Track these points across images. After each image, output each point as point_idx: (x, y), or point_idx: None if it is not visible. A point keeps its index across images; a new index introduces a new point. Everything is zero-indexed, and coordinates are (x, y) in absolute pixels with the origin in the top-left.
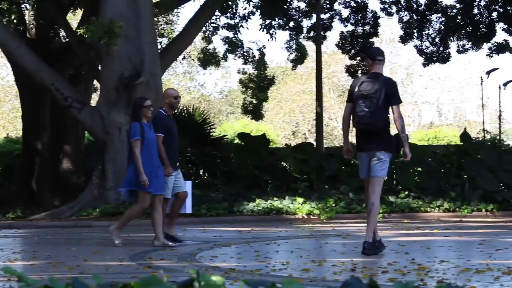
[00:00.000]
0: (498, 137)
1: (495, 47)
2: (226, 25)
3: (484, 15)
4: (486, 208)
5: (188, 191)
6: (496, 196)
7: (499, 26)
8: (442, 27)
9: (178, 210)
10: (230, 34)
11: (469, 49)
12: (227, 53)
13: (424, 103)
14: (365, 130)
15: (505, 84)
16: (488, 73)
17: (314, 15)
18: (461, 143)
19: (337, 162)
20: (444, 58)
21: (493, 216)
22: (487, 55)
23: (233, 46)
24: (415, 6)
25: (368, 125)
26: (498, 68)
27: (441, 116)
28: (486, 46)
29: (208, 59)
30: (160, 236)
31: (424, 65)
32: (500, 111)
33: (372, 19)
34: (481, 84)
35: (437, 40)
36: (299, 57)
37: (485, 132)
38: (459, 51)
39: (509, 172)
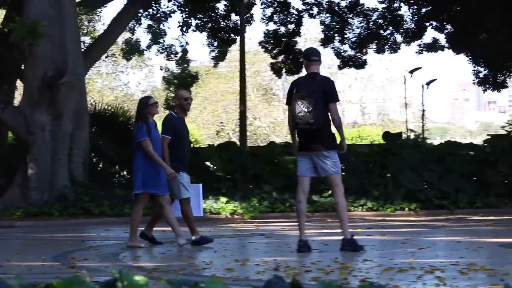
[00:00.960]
0: (421, 136)
1: (424, 46)
2: (149, 16)
3: (412, 13)
4: (409, 207)
5: (199, 194)
6: (419, 195)
7: (429, 24)
8: (362, 31)
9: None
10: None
11: (387, 50)
12: (151, 43)
13: (347, 102)
14: (306, 130)
15: (428, 83)
16: (411, 72)
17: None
18: (384, 142)
19: (260, 162)
20: (359, 64)
21: (416, 215)
22: (416, 52)
23: (156, 36)
24: (337, 8)
25: (308, 125)
26: (421, 67)
27: (364, 115)
28: (415, 43)
29: (131, 49)
30: (181, 234)
31: (340, 67)
32: (423, 110)
33: (296, 18)
34: (404, 83)
35: (355, 44)
36: (220, 54)
37: (409, 131)
38: (378, 51)
39: (432, 171)
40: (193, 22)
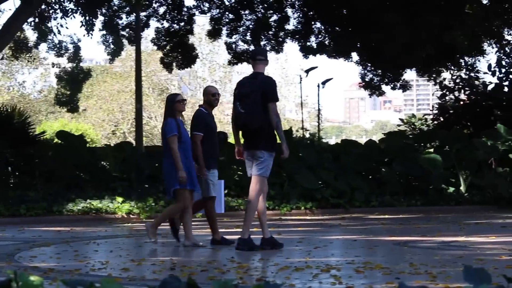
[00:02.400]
0: (317, 135)
1: (310, 48)
2: (37, 15)
3: (299, 14)
4: (305, 206)
5: (221, 191)
6: (315, 194)
7: (316, 26)
8: (253, 25)
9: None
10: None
11: (280, 48)
12: (39, 41)
13: None
14: (243, 130)
15: (323, 83)
16: (307, 71)
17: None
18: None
19: (156, 161)
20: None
21: (312, 214)
22: (303, 55)
23: (43, 34)
24: (227, 2)
25: (243, 126)
26: (316, 67)
27: None
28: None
29: (19, 47)
30: (191, 235)
31: (231, 63)
32: (319, 109)
33: (187, 16)
34: (300, 82)
35: (248, 38)
36: (116, 50)
37: (304, 130)
38: (273, 49)
39: (328, 170)
40: (96, 21)
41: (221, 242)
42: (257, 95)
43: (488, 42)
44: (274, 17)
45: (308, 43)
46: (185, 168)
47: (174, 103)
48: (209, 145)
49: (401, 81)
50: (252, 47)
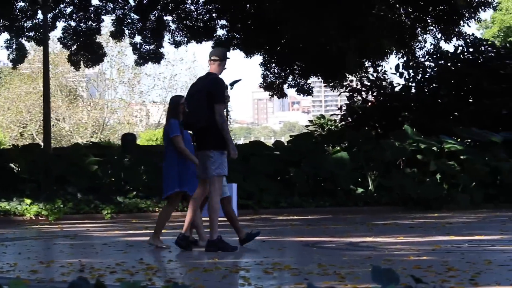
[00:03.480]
0: None
1: (215, 46)
2: None
3: (202, 11)
4: None
5: (233, 194)
6: None
7: (220, 23)
8: (155, 26)
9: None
10: None
11: (183, 43)
12: None
13: (151, 103)
14: (190, 130)
15: (232, 84)
16: (232, 84)
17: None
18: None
19: (64, 163)
20: (157, 57)
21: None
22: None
23: None
24: (132, 2)
25: (188, 125)
26: (240, 80)
27: None
28: (207, 44)
29: None
30: (204, 236)
31: (137, 63)
32: (227, 110)
33: (94, 15)
34: None
35: (151, 38)
36: (20, 57)
37: None
38: (175, 45)
39: (236, 171)
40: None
41: (246, 239)
42: (202, 95)
43: (395, 46)
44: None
45: (214, 40)
46: (188, 169)
47: (178, 105)
48: None
49: (305, 85)
50: (153, 47)
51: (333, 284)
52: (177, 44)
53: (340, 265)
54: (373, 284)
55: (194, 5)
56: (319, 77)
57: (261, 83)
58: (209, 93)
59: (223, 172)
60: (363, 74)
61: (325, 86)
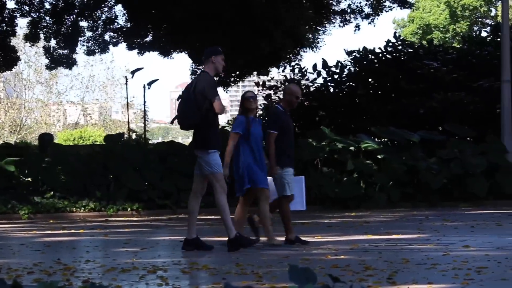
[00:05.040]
0: (143, 136)
1: (137, 45)
2: None
3: (127, 12)
4: (132, 207)
5: (302, 187)
6: (141, 195)
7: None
8: (70, 30)
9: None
10: None
11: (97, 51)
12: None
13: (69, 103)
14: (181, 129)
15: (149, 84)
16: (133, 72)
17: None
18: (105, 143)
19: None
20: (69, 63)
21: (139, 215)
22: (128, 53)
23: None
24: (49, 6)
25: (180, 125)
26: (142, 68)
27: (86, 116)
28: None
29: None
30: (272, 235)
31: (48, 67)
32: (145, 110)
33: (8, 17)
34: (126, 83)
35: (65, 43)
36: None
37: (131, 131)
38: (88, 53)
39: (154, 171)
40: None
41: (294, 241)
42: (192, 94)
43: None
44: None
45: (135, 41)
46: (255, 167)
47: (243, 100)
48: (284, 143)
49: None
50: (66, 52)
51: (251, 283)
52: (90, 52)
53: (258, 264)
54: (291, 283)
55: (111, 9)
56: (235, 76)
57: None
58: (195, 89)
59: (218, 170)
60: (280, 72)
61: (243, 86)
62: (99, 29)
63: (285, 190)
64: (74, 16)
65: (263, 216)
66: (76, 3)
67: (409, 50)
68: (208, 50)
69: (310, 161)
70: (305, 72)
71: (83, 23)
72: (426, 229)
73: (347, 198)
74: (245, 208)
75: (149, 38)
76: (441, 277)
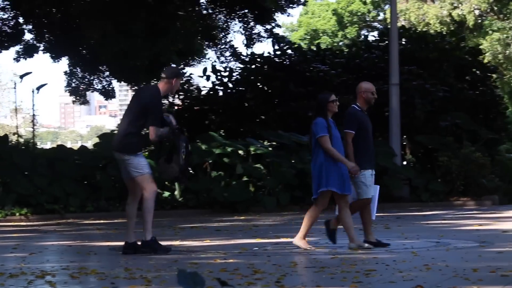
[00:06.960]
0: (32, 141)
1: (23, 50)
2: None
3: (9, 16)
4: (20, 212)
5: (375, 196)
6: (30, 200)
7: (27, 28)
8: None
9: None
10: None
11: None
12: None
13: None
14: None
15: (38, 88)
16: (22, 77)
17: None
18: None
19: None
20: None
21: (27, 220)
22: (14, 59)
23: None
24: None
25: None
26: (31, 72)
27: None
28: (13, 49)
29: None
30: (355, 238)
31: None
32: (33, 115)
33: None
34: (15, 88)
35: None
36: None
37: (19, 136)
38: None
39: (42, 176)
40: None
41: (376, 244)
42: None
43: (206, 46)
44: None
45: (22, 45)
46: (335, 168)
47: (327, 103)
48: (362, 144)
49: (105, 88)
50: None
51: None
52: None
53: (147, 268)
54: (179, 287)
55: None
56: (124, 81)
57: (65, 87)
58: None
59: (145, 171)
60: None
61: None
62: None
63: (364, 192)
64: None
65: (343, 222)
66: None
67: (296, 55)
68: (173, 71)
69: (199, 165)
70: (193, 76)
71: None
72: (315, 232)
73: (236, 202)
74: (320, 210)
75: (35, 42)
76: (329, 280)
